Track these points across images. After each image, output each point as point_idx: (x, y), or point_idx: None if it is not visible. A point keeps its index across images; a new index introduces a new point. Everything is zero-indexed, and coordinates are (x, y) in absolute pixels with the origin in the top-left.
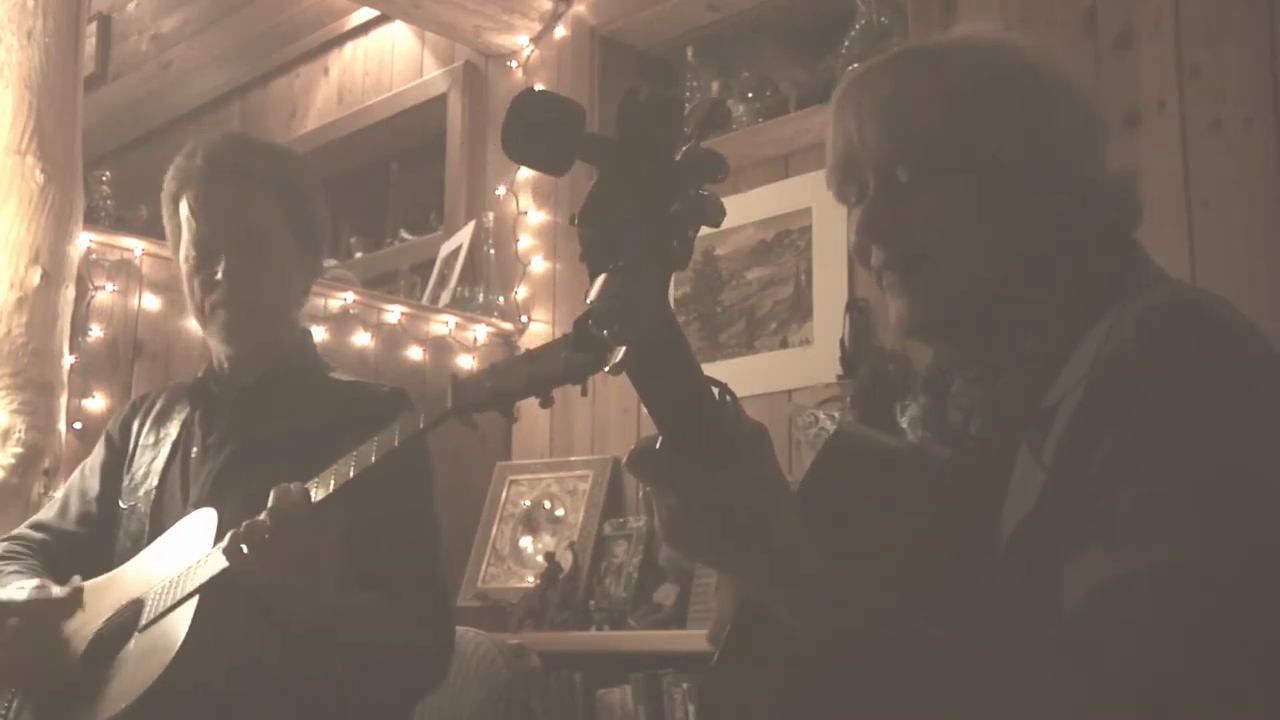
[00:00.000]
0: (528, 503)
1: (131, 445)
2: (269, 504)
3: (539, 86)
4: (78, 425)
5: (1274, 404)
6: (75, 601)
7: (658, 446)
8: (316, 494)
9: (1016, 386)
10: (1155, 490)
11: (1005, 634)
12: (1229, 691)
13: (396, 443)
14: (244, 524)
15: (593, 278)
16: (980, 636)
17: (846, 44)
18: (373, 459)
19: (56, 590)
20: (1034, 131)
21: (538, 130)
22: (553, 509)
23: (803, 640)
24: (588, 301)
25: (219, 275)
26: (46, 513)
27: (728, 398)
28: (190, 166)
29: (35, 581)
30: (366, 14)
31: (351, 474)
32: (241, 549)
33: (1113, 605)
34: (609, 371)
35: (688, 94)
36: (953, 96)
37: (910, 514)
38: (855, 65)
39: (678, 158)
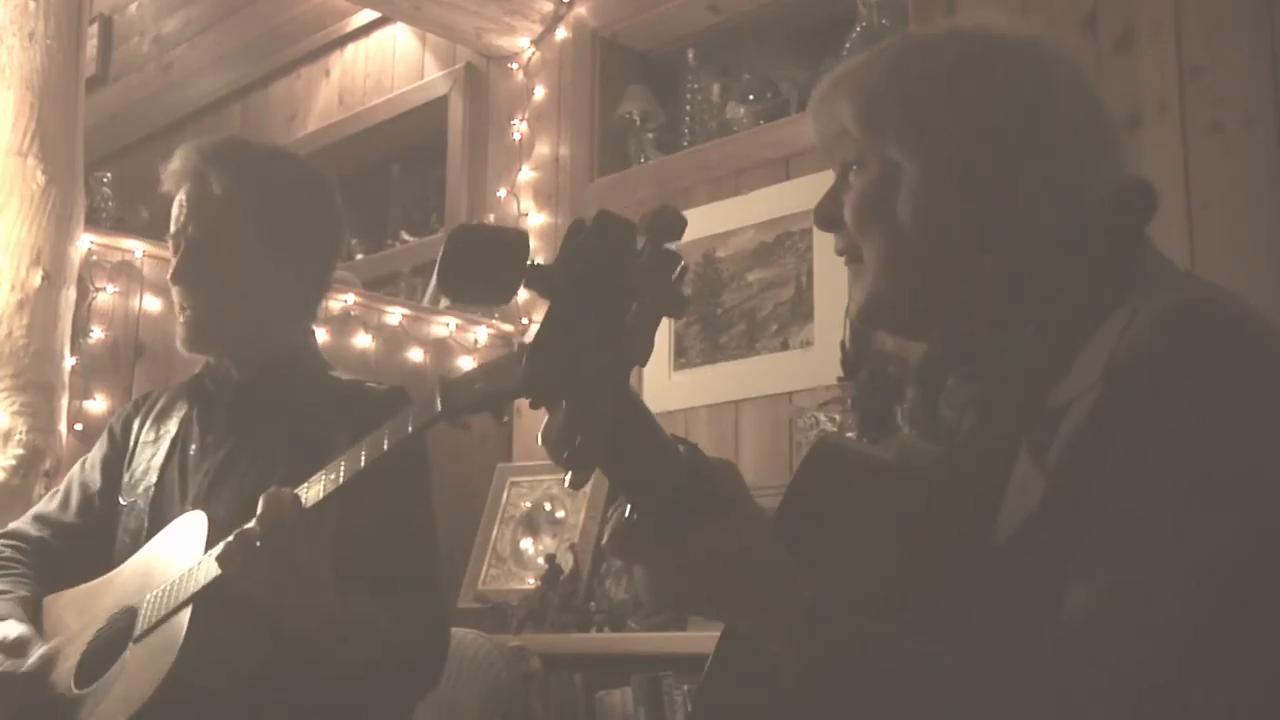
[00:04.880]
0: (528, 504)
1: (132, 442)
2: (259, 510)
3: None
4: (79, 427)
5: None
6: (44, 672)
7: (630, 518)
8: (307, 498)
9: (1016, 384)
10: (1164, 496)
11: (1001, 636)
12: (1231, 698)
13: (386, 446)
14: (235, 532)
15: (540, 406)
16: (975, 641)
17: (847, 46)
18: (362, 462)
19: (32, 658)
20: (1007, 125)
21: (479, 267)
22: (553, 511)
23: (791, 668)
24: (539, 439)
25: (169, 276)
26: (47, 504)
27: (694, 459)
28: (172, 166)
29: (15, 630)
30: (367, 16)
31: (342, 479)
32: (235, 556)
33: (1115, 610)
34: (569, 486)
35: (688, 94)
36: (911, 83)
37: (898, 520)
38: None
39: (629, 266)
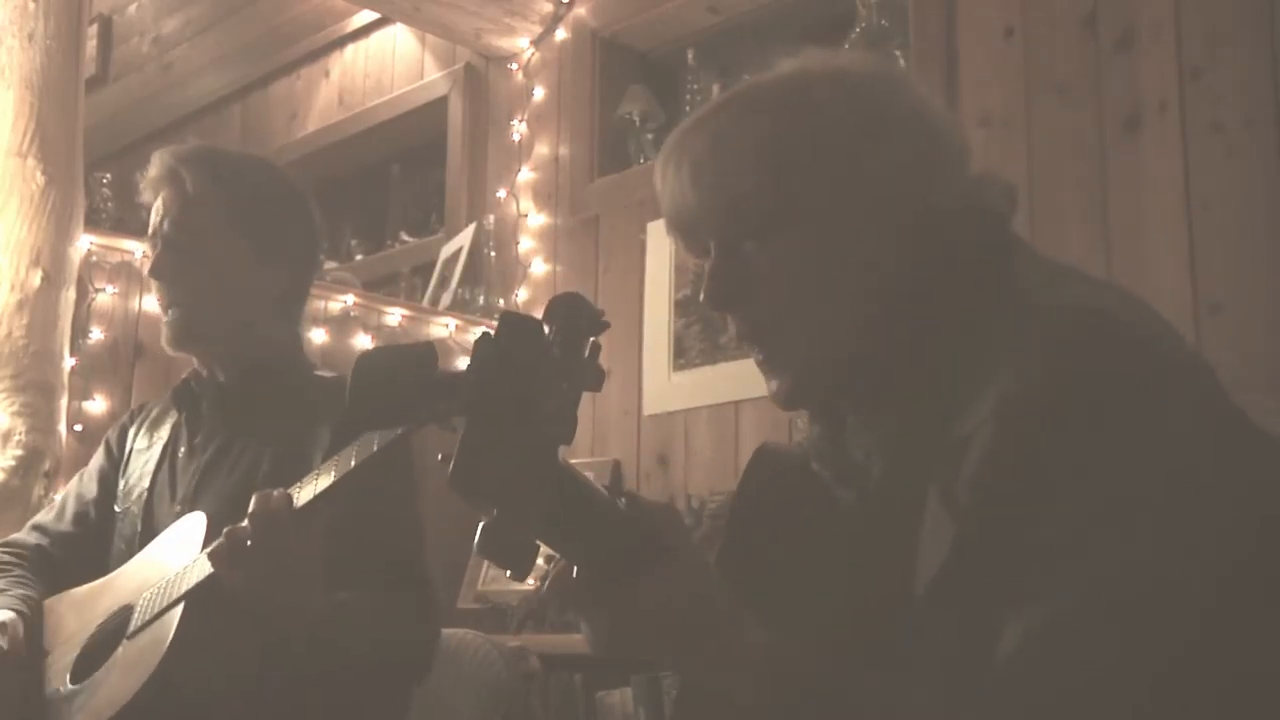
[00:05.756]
0: None
1: (127, 451)
2: (250, 509)
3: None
4: (78, 427)
5: (1189, 420)
6: (17, 649)
7: (574, 575)
8: (299, 498)
9: (918, 427)
10: (1084, 520)
11: (942, 682)
12: (1181, 710)
13: (376, 446)
14: (226, 530)
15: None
16: (913, 682)
17: (847, 47)
18: (353, 462)
19: (14, 637)
20: (866, 166)
21: (387, 388)
22: None
23: (747, 710)
24: (475, 549)
25: (147, 273)
26: (45, 515)
27: (634, 511)
28: (149, 174)
29: (2, 615)
30: (367, 16)
31: (334, 479)
32: (226, 555)
33: (1055, 640)
34: (511, 579)
35: (688, 94)
36: (769, 146)
37: (831, 552)
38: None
39: (539, 360)
